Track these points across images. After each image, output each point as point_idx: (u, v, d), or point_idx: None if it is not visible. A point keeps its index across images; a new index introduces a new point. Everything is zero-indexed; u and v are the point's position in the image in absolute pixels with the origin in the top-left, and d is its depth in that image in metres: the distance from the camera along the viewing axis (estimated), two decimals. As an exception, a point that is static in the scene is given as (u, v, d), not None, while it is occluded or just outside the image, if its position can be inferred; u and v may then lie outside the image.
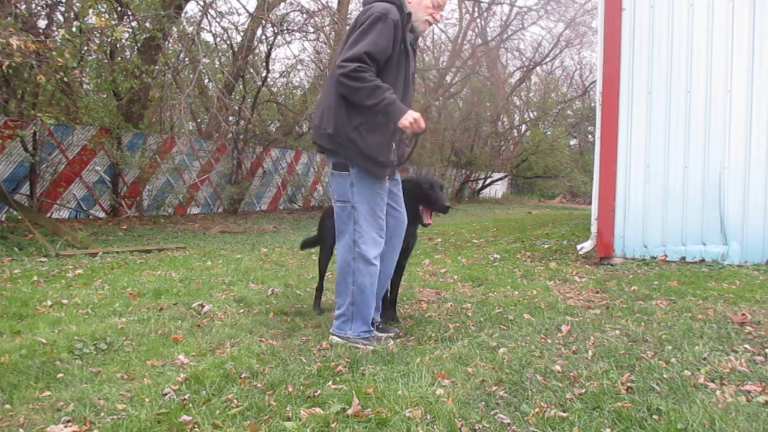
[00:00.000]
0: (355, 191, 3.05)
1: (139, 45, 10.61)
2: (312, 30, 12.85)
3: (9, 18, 6.20)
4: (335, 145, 3.04)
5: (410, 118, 2.86)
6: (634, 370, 2.63)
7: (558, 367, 2.67)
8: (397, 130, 2.97)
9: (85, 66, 9.50)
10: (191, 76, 11.26)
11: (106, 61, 9.76)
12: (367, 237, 3.06)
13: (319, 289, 3.96)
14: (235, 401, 2.32)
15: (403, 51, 3.03)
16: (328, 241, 3.72)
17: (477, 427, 2.11)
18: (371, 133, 2.97)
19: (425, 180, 3.51)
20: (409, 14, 3.05)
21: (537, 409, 2.22)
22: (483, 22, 24.62)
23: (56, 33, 7.83)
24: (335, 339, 3.13)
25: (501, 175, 26.37)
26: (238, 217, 12.76)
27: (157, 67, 10.96)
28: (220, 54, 12.82)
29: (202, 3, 11.48)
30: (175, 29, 10.35)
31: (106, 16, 9.24)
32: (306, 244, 4.40)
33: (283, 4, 12.90)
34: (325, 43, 13.95)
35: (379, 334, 3.19)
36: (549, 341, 3.13)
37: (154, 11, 9.06)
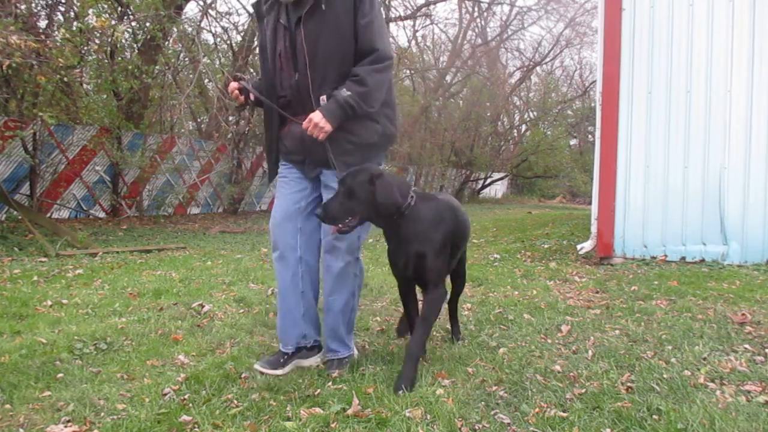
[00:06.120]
0: None
1: (139, 45, 10.60)
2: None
3: (9, 18, 6.20)
4: None
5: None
6: (634, 370, 2.63)
7: (558, 367, 2.67)
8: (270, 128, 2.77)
9: (85, 66, 9.49)
10: (191, 76, 11.24)
11: (106, 61, 9.74)
12: None
13: None
14: (235, 401, 2.33)
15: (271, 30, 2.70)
16: None
17: (477, 427, 2.11)
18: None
19: None
20: None
21: (537, 409, 2.22)
22: (483, 22, 24.63)
23: (56, 33, 7.81)
24: None
25: (501, 175, 26.37)
26: (238, 217, 12.74)
27: (157, 67, 10.94)
28: (220, 54, 12.79)
29: (202, 3, 11.48)
30: (175, 29, 10.32)
31: (107, 16, 9.23)
32: None
33: (282, 4, 12.87)
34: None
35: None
36: (549, 341, 3.13)
37: (154, 11, 9.04)
